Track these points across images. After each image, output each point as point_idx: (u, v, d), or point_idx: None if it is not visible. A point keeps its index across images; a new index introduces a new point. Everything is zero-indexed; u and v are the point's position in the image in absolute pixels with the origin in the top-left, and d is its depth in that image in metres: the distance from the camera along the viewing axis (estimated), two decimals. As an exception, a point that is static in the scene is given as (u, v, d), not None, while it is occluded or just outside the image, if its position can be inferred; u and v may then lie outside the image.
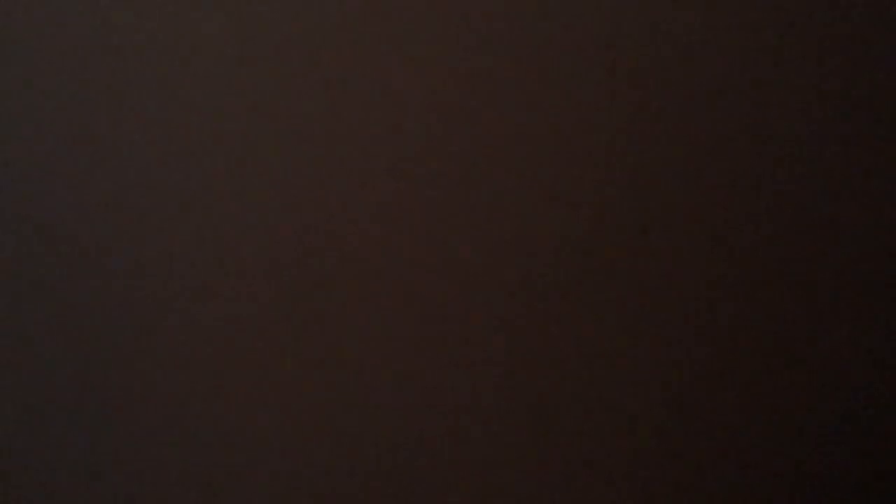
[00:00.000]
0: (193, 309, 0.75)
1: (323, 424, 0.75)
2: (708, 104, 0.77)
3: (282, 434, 0.75)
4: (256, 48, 0.75)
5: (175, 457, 0.75)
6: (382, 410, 0.75)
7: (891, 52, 0.77)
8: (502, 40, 0.76)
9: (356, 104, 0.76)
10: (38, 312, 0.75)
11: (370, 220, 0.75)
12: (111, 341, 0.75)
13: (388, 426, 0.76)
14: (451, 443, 0.76)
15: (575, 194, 0.76)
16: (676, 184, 0.77)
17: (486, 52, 0.76)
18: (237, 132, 0.75)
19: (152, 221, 0.75)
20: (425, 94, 0.76)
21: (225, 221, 0.75)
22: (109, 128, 0.75)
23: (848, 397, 0.77)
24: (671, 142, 0.77)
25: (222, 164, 0.75)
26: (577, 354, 0.76)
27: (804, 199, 0.77)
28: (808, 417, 0.77)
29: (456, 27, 0.76)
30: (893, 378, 0.77)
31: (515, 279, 0.76)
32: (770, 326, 0.77)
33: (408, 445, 0.76)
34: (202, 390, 0.75)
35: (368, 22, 0.76)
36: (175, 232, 0.75)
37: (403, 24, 0.76)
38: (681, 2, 0.77)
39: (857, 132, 0.77)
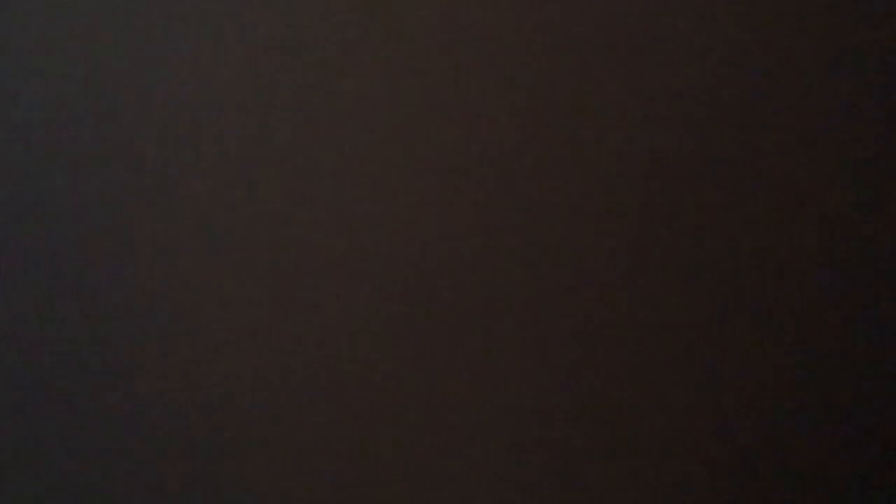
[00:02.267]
0: (192, 308, 0.75)
1: (322, 425, 0.75)
2: (707, 103, 0.77)
3: (280, 434, 0.75)
4: (254, 47, 0.75)
5: (174, 458, 0.75)
6: (382, 411, 0.76)
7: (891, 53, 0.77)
8: (500, 40, 0.76)
9: (354, 105, 0.76)
10: (37, 312, 0.75)
11: (369, 219, 0.76)
12: (109, 342, 0.75)
13: (386, 426, 0.76)
14: (448, 443, 0.76)
15: (572, 195, 0.76)
16: (676, 183, 0.76)
17: (485, 51, 0.76)
18: (235, 132, 0.75)
19: (151, 221, 0.75)
20: (423, 94, 0.76)
21: (223, 221, 0.75)
22: (109, 127, 0.75)
23: (848, 397, 0.77)
24: (670, 141, 0.77)
25: (221, 164, 0.75)
26: (576, 354, 0.76)
27: (804, 198, 0.77)
28: (807, 417, 0.77)
29: (453, 27, 0.76)
30: (893, 378, 0.77)
31: (512, 279, 0.76)
32: (770, 326, 0.77)
33: (405, 446, 0.76)
34: (201, 390, 0.75)
35: (365, 22, 0.76)
36: (174, 231, 0.75)
37: (401, 23, 0.76)
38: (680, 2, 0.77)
39: (857, 132, 0.77)
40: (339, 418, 0.75)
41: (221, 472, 0.75)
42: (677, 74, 0.77)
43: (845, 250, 0.77)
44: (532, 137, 0.76)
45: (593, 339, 0.76)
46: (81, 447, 0.75)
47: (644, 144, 0.76)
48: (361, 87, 0.76)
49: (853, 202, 0.77)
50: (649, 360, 0.76)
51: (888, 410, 0.77)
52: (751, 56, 0.77)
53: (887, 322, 0.77)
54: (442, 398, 0.76)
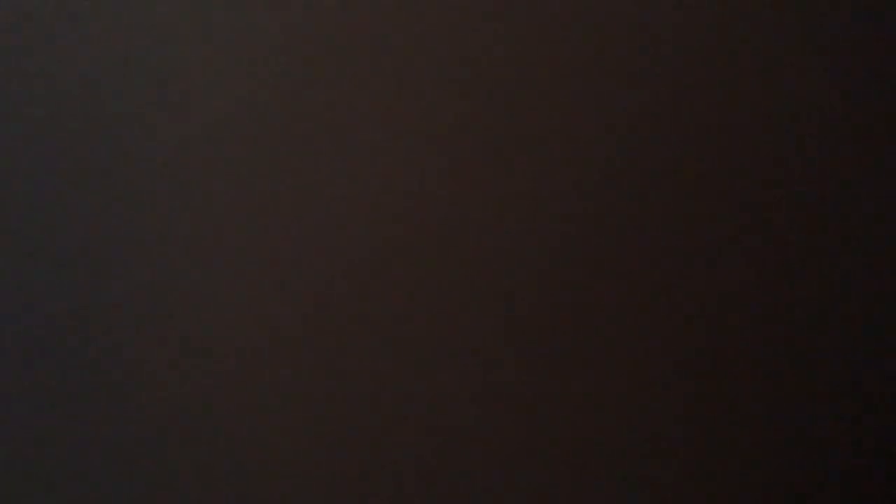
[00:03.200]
0: (193, 308, 0.75)
1: (323, 425, 0.75)
2: (706, 104, 0.77)
3: (281, 435, 0.75)
4: (257, 48, 0.75)
5: (173, 457, 0.75)
6: (381, 412, 0.76)
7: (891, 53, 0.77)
8: (500, 40, 0.76)
9: (355, 105, 0.76)
10: (38, 312, 0.75)
11: (369, 220, 0.76)
12: (110, 341, 0.75)
13: (385, 427, 0.76)
14: (448, 445, 0.76)
15: (571, 196, 0.76)
16: (675, 184, 0.77)
17: (485, 52, 0.76)
18: (236, 133, 0.75)
19: (153, 221, 0.75)
20: (424, 95, 0.76)
21: (224, 221, 0.75)
22: (109, 127, 0.75)
23: (848, 397, 0.77)
24: (670, 142, 0.77)
25: (223, 165, 0.75)
26: (575, 356, 0.76)
27: (804, 199, 0.77)
28: (809, 419, 0.77)
29: (452, 27, 0.76)
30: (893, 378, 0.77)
31: (512, 280, 0.76)
32: (770, 327, 0.77)
33: (406, 448, 0.76)
34: (201, 391, 0.75)
35: (366, 22, 0.76)
36: (175, 231, 0.75)
37: (402, 26, 0.76)
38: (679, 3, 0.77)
39: (857, 132, 0.77)
40: (340, 419, 0.75)
41: (220, 474, 0.75)
42: (676, 76, 0.77)
43: (845, 250, 0.77)
44: (531, 137, 0.76)
45: (591, 339, 0.76)
46: (79, 448, 0.75)
47: (642, 145, 0.77)
48: (364, 88, 0.76)
49: (853, 202, 0.77)
50: (648, 360, 0.76)
51: (888, 410, 0.77)
52: (750, 57, 0.77)
53: (887, 322, 0.77)
54: (439, 399, 0.76)
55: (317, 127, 0.76)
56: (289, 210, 0.75)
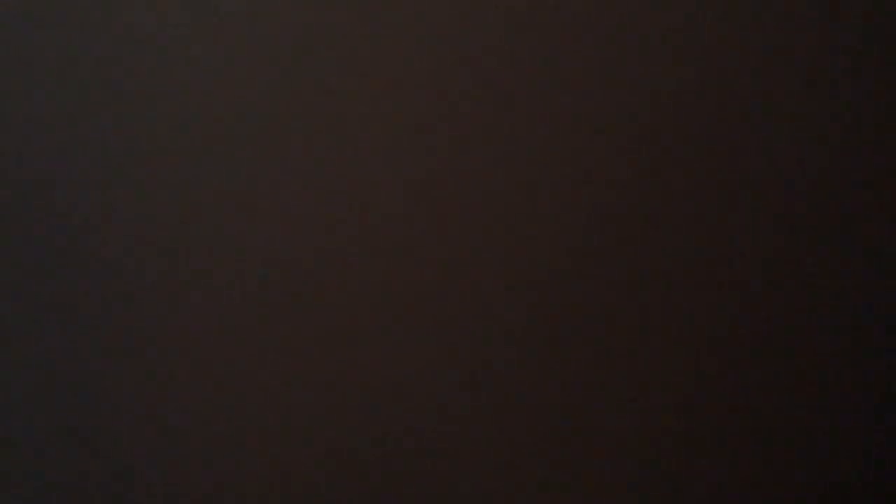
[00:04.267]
0: (192, 308, 0.75)
1: (320, 424, 0.75)
2: (706, 105, 0.77)
3: (278, 434, 0.75)
4: (258, 47, 0.75)
5: (173, 456, 0.75)
6: (380, 412, 0.76)
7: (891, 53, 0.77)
8: (501, 40, 0.76)
9: (354, 105, 0.76)
10: (39, 312, 0.75)
11: (368, 220, 0.76)
12: (109, 340, 0.75)
13: (385, 428, 0.76)
14: (445, 446, 0.76)
15: (573, 196, 0.76)
16: (676, 184, 0.77)
17: (485, 52, 0.76)
18: (236, 132, 0.75)
19: (151, 220, 0.75)
20: (424, 95, 0.76)
21: (223, 220, 0.75)
22: (109, 127, 0.75)
23: (848, 397, 0.77)
24: (671, 142, 0.77)
25: (222, 164, 0.75)
26: (575, 356, 0.76)
27: (805, 198, 0.77)
28: (809, 418, 0.77)
29: (453, 27, 0.76)
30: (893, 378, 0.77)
31: (513, 281, 0.76)
32: (771, 326, 0.77)
33: (403, 447, 0.76)
34: (198, 390, 0.75)
35: (368, 22, 0.76)
36: (175, 231, 0.75)
37: (403, 23, 0.76)
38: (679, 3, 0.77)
39: (857, 132, 0.77)
40: (338, 419, 0.75)
41: (220, 475, 0.75)
42: (674, 74, 0.77)
43: (845, 250, 0.77)
44: (530, 138, 0.76)
45: (589, 339, 0.76)
46: (82, 447, 0.75)
47: (640, 145, 0.77)
48: (364, 89, 0.76)
49: (853, 202, 0.77)
50: (646, 360, 0.76)
51: (888, 411, 0.77)
52: (748, 56, 0.77)
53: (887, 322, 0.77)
54: (438, 399, 0.76)
55: (316, 125, 0.76)
56: (287, 211, 0.75)
